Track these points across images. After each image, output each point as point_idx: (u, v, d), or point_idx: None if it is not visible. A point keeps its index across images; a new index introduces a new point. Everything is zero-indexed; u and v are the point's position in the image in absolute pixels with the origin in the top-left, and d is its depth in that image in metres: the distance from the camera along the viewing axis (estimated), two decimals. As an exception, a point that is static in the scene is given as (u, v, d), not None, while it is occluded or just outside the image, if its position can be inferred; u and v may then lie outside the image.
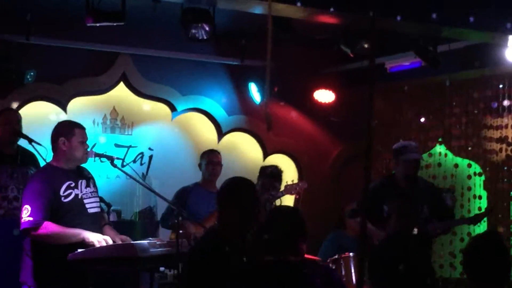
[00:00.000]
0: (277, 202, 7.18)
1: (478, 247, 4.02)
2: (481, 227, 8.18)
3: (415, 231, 5.58)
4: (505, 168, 8.24)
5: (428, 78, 8.51)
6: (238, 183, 4.84)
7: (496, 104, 8.27)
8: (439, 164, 8.85)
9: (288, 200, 8.65)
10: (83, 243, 5.36)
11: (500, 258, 3.93)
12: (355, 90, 9.09)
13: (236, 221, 4.65)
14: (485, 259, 3.91)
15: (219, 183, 7.56)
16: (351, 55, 7.50)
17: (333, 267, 7.29)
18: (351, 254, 7.33)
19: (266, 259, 4.21)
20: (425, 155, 8.82)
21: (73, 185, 5.61)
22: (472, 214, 8.48)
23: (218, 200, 4.79)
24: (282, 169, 7.55)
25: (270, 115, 6.04)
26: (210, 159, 7.56)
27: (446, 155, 8.83)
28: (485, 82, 8.34)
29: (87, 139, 5.79)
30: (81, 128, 5.77)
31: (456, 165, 8.70)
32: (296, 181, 8.18)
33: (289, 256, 4.21)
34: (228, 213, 4.69)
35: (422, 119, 9.07)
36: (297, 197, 8.80)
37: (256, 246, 4.36)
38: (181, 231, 5.78)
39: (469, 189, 8.59)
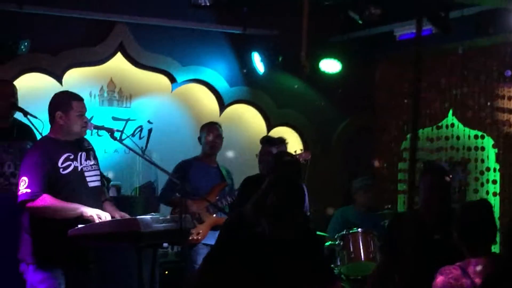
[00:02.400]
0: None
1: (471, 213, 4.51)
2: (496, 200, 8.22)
3: None
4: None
5: (440, 46, 8.49)
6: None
7: (510, 73, 8.22)
8: (451, 136, 8.84)
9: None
10: (83, 219, 5.39)
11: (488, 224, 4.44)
12: (363, 59, 9.11)
13: None
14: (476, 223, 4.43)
15: (220, 157, 7.67)
16: (360, 22, 7.50)
17: (341, 243, 7.37)
18: (359, 230, 7.38)
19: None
20: (434, 128, 8.89)
21: (72, 157, 5.61)
22: (484, 187, 8.53)
23: None
24: (284, 138, 7.43)
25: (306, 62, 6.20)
26: (211, 132, 7.56)
27: (458, 126, 8.81)
28: (499, 50, 8.30)
29: (85, 111, 5.76)
30: (79, 100, 5.74)
31: (468, 137, 8.70)
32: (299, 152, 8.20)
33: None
34: None
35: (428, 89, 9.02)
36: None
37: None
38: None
39: (482, 161, 8.59)
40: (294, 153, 7.47)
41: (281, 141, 7.21)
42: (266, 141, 7.26)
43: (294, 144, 9.30)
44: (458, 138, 8.80)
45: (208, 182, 7.44)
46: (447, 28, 7.30)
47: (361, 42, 8.84)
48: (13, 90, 6.83)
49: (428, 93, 8.99)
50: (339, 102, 9.55)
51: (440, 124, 8.93)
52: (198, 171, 7.45)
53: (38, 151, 5.61)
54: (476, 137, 8.60)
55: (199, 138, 7.64)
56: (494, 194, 8.29)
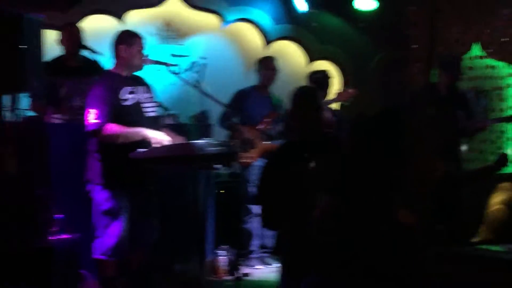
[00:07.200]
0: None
1: None
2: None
3: None
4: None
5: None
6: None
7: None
8: (477, 66, 8.65)
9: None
10: (144, 142, 5.44)
11: None
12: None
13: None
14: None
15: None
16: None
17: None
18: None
19: None
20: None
21: (132, 90, 5.66)
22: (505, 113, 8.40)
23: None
24: (328, 72, 7.56)
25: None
26: (267, 65, 7.67)
27: (484, 57, 8.60)
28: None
29: (144, 48, 5.81)
30: (141, 37, 5.81)
31: (494, 67, 8.49)
32: (340, 89, 8.20)
33: None
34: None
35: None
36: (346, 104, 8.53)
37: None
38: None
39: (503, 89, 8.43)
40: (342, 91, 7.62)
41: (326, 75, 7.50)
42: (316, 81, 7.39)
43: (334, 76, 9.20)
44: (485, 67, 8.59)
45: (263, 111, 7.50)
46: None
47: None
48: (79, 31, 6.87)
49: (456, 26, 8.75)
50: (375, 37, 9.37)
51: (466, 56, 8.72)
52: (254, 100, 7.56)
53: (103, 85, 5.65)
54: (500, 66, 8.41)
55: (256, 71, 7.73)
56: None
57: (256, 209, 7.39)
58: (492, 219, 4.15)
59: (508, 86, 8.35)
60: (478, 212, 4.31)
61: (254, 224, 7.46)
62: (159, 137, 5.47)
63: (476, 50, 8.61)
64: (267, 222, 5.35)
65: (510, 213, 4.10)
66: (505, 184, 4.21)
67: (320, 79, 7.41)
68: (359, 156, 3.86)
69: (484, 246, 3.59)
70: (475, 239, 4.23)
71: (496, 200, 4.16)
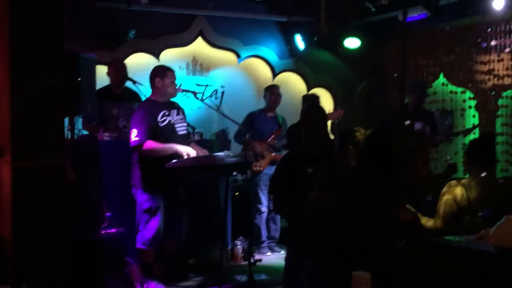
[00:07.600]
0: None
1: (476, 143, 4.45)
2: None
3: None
4: (492, 93, 8.01)
5: (432, 26, 8.25)
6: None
7: (485, 44, 7.98)
8: (442, 92, 8.63)
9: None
10: (176, 155, 5.44)
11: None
12: (376, 38, 8.91)
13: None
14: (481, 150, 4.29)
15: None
16: (373, 10, 7.35)
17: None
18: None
19: None
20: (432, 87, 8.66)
21: (167, 113, 5.66)
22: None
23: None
24: (317, 95, 7.58)
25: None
26: (273, 91, 7.68)
27: (447, 85, 8.59)
28: (477, 27, 8.04)
29: (175, 79, 5.82)
30: (172, 70, 5.82)
31: (455, 92, 8.48)
32: (332, 110, 8.18)
33: None
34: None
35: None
36: (336, 122, 8.55)
37: None
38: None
39: (464, 110, 8.39)
40: (333, 111, 7.62)
41: (316, 97, 7.45)
42: (307, 99, 7.44)
43: (327, 100, 9.21)
44: (448, 92, 8.57)
45: (270, 129, 7.53)
46: (437, 12, 7.12)
47: (375, 24, 8.59)
48: (124, 65, 6.90)
49: (424, 61, 8.75)
50: (359, 69, 9.37)
51: (433, 84, 8.70)
52: (262, 120, 7.56)
53: (143, 109, 5.67)
54: (462, 92, 8.39)
55: (264, 96, 7.74)
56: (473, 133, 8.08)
57: (263, 207, 7.40)
58: (443, 212, 4.20)
59: (469, 107, 8.30)
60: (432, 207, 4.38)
61: (262, 219, 7.45)
62: (188, 151, 5.47)
63: (441, 78, 8.61)
64: (276, 208, 5.53)
65: (457, 207, 4.15)
66: (453, 184, 4.25)
67: (311, 100, 7.39)
68: (360, 163, 3.86)
69: (449, 237, 3.58)
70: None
71: (446, 197, 4.23)
